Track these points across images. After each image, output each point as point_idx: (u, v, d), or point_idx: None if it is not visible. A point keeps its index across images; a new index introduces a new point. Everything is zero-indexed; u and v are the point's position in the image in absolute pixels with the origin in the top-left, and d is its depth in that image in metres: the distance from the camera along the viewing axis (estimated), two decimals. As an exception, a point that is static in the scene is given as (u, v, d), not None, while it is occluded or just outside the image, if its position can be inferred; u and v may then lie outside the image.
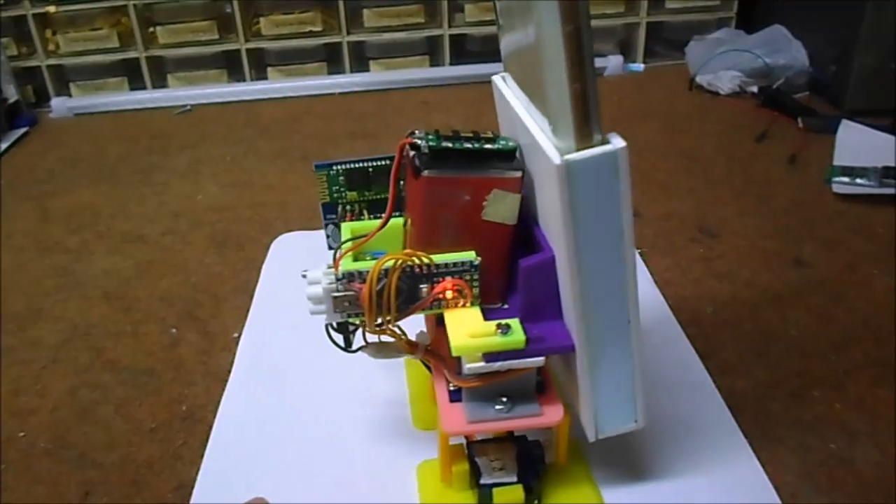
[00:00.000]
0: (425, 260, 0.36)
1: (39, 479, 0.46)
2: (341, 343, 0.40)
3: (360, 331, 0.39)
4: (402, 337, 0.39)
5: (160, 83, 1.30)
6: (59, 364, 0.57)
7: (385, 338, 0.39)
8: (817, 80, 1.11)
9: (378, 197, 0.46)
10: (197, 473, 0.45)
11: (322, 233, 0.47)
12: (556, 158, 0.32)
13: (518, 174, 0.37)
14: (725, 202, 0.79)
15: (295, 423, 0.49)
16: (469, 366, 0.36)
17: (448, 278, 0.37)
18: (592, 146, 0.33)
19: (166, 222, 0.80)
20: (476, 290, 0.37)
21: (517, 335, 0.36)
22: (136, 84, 1.29)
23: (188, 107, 1.22)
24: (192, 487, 0.45)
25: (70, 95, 1.27)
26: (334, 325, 0.38)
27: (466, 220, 0.37)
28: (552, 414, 0.40)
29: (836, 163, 0.84)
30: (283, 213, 0.81)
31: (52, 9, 1.21)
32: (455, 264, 0.37)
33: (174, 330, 0.61)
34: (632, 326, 0.37)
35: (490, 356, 0.36)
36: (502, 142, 0.38)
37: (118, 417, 0.51)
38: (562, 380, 0.42)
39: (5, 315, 0.64)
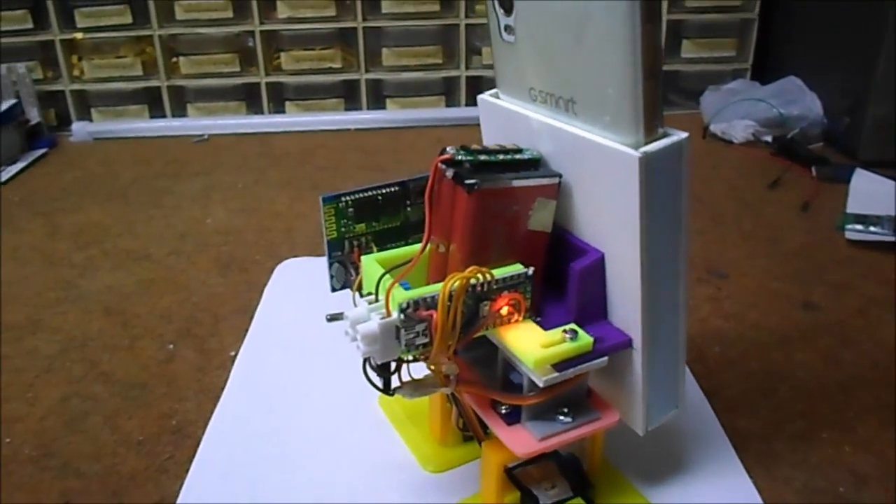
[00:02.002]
0: (488, 277, 0.35)
1: (20, 486, 0.45)
2: (379, 385, 0.38)
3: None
4: (442, 369, 0.37)
5: (180, 112, 1.32)
6: (52, 374, 0.57)
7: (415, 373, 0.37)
8: (831, 131, 1.11)
9: (386, 227, 0.44)
10: (180, 488, 0.44)
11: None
12: (634, 153, 0.33)
13: (556, 180, 0.37)
14: (735, 245, 0.78)
15: (287, 446, 0.48)
16: (546, 378, 0.35)
17: (504, 293, 0.35)
18: (658, 139, 0.34)
19: (172, 243, 0.81)
20: (528, 303, 0.36)
21: (584, 338, 0.35)
22: (156, 112, 1.31)
23: (205, 136, 1.23)
24: (174, 502, 0.43)
25: (91, 120, 1.29)
26: (373, 364, 0.36)
27: (511, 232, 0.37)
28: (609, 415, 0.39)
29: (849, 210, 0.83)
30: (288, 239, 0.81)
31: (79, 35, 1.25)
32: (512, 278, 0.36)
33: (171, 346, 0.60)
34: (681, 311, 0.38)
35: (561, 365, 0.35)
36: (526, 153, 0.38)
37: (106, 429, 0.50)
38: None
39: (5, 324, 0.64)
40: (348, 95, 1.33)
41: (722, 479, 0.44)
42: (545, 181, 0.37)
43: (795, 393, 0.53)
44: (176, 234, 0.83)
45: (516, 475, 0.41)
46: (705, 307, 0.65)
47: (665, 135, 0.34)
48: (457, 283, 0.33)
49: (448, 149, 0.36)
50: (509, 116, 0.40)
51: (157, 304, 0.67)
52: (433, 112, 1.30)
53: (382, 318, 0.34)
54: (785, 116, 1.13)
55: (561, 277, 0.38)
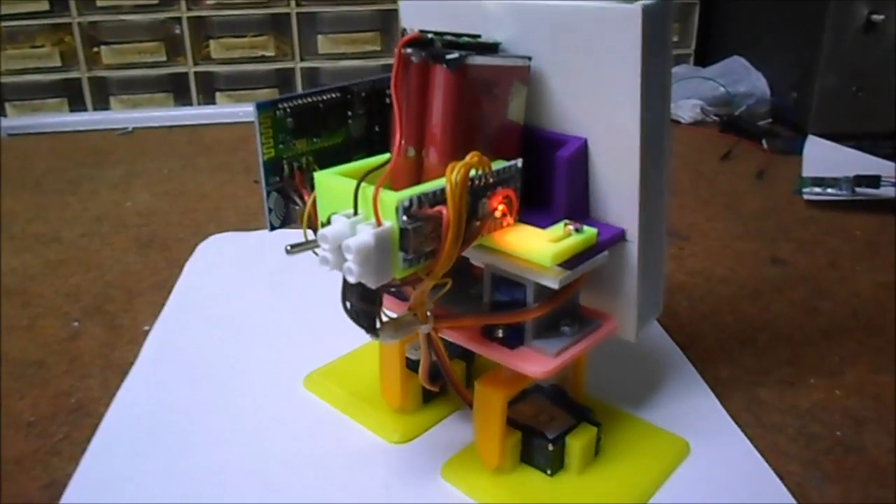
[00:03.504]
0: (486, 168, 0.30)
1: None
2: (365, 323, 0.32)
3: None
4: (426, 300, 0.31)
5: (102, 105, 1.23)
6: (-68, 359, 0.48)
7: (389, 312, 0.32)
8: (778, 107, 1.10)
9: (328, 145, 0.36)
10: (74, 470, 0.37)
11: (257, 235, 0.36)
12: (634, 6, 0.30)
13: (527, 62, 0.33)
14: (694, 210, 0.74)
15: (210, 423, 0.41)
16: (562, 278, 0.30)
17: (499, 189, 0.30)
18: None
19: (87, 225, 0.73)
20: (518, 202, 0.32)
21: (589, 230, 0.31)
22: (77, 105, 1.22)
23: (129, 129, 1.15)
24: (66, 485, 0.36)
25: (5, 115, 1.20)
26: (352, 302, 0.31)
27: (489, 123, 0.32)
28: (608, 322, 0.35)
29: (805, 174, 0.81)
30: (216, 218, 0.74)
31: (-11, 24, 1.15)
32: (505, 171, 0.31)
33: (76, 323, 0.52)
34: (665, 195, 0.36)
35: (571, 262, 0.31)
36: (484, 39, 0.34)
37: (-9, 411, 0.42)
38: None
39: None
40: (283, 85, 1.27)
41: (702, 418, 0.40)
42: (519, 62, 0.33)
43: (776, 341, 0.48)
44: (92, 217, 0.75)
45: (509, 416, 0.35)
46: (669, 264, 0.61)
47: None
48: (460, 173, 0.28)
49: (406, 29, 0.30)
50: (449, 12, 0.35)
51: (65, 283, 0.59)
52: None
53: (379, 228, 0.27)
54: (732, 94, 1.11)
55: (535, 178, 0.33)
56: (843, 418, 0.41)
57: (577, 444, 0.35)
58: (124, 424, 0.40)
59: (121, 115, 1.18)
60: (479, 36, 0.33)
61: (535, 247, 0.30)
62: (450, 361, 0.38)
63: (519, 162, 0.31)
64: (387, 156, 0.33)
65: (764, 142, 0.97)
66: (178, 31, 1.21)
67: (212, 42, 1.22)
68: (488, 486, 0.35)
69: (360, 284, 0.28)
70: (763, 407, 0.41)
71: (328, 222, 0.28)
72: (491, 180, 0.30)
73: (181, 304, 0.54)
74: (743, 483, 0.35)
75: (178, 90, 1.24)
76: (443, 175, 0.29)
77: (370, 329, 0.31)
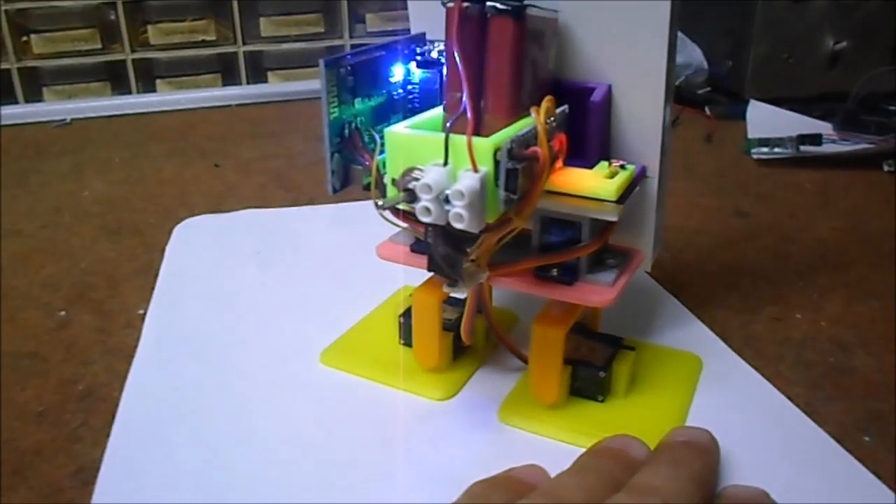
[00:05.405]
0: (554, 113, 0.32)
1: None
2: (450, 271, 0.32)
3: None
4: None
5: (34, 97, 1.18)
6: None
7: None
8: (715, 76, 1.14)
9: (374, 105, 0.37)
10: (102, 454, 0.36)
11: (233, 216, 0.36)
12: None
13: (556, 14, 0.35)
14: (655, 173, 0.78)
15: (227, 395, 0.40)
16: (620, 211, 0.32)
17: (557, 133, 0.32)
18: None
19: (46, 217, 0.70)
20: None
21: (630, 167, 0.34)
22: (7, 98, 1.16)
23: (67, 120, 1.10)
24: (97, 470, 0.35)
25: (-77, 112, 1.13)
26: (443, 251, 0.31)
27: (536, 72, 0.34)
28: (637, 253, 0.38)
29: (751, 136, 0.85)
30: (184, 202, 0.72)
31: None
32: (560, 115, 0.33)
33: (62, 313, 0.51)
34: (669, 135, 0.38)
35: (622, 196, 0.33)
36: None
37: (-7, 403, 0.41)
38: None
39: None
40: (226, 70, 1.24)
41: (725, 372, 0.41)
42: (552, 14, 0.34)
43: (758, 284, 0.52)
44: (48, 208, 0.72)
45: None
46: (644, 224, 0.63)
47: None
48: (543, 115, 0.30)
49: None
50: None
51: (38, 274, 0.57)
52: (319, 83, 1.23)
53: (480, 171, 0.29)
54: (672, 65, 1.15)
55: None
56: (831, 345, 0.44)
57: (623, 369, 0.37)
58: (143, 405, 0.40)
59: (56, 107, 1.13)
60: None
61: (595, 184, 0.32)
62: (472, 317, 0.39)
63: (567, 108, 0.33)
64: (440, 110, 0.34)
65: (707, 108, 1.01)
66: (113, 17, 1.17)
67: (149, 27, 1.19)
68: (552, 419, 0.37)
69: (450, 233, 0.29)
70: (760, 341, 0.44)
71: (403, 177, 0.29)
72: (555, 124, 0.32)
73: (172, 285, 0.53)
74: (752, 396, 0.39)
75: (115, 79, 1.20)
76: (503, 126, 0.30)
77: (459, 276, 0.32)
